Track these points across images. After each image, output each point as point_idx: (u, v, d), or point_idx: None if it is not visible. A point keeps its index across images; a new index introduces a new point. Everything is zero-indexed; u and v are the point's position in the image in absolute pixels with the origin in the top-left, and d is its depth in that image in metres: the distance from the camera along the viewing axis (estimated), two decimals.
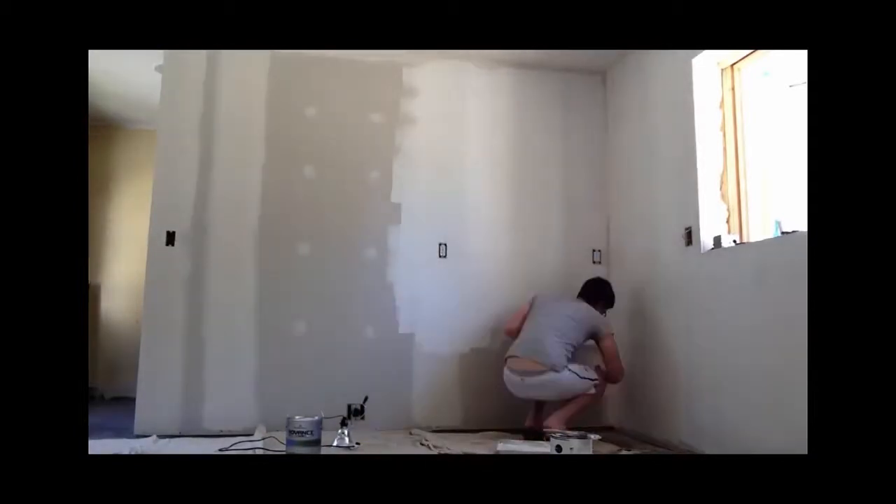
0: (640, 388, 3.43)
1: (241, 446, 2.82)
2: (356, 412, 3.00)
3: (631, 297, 3.59)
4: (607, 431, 3.49)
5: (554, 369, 3.04)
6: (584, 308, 3.26)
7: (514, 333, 3.32)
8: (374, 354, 3.45)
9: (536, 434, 3.11)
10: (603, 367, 3.26)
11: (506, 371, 3.19)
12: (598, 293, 3.38)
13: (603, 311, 3.36)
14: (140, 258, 3.51)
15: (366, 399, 3.05)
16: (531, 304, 3.35)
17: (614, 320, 3.42)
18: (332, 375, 3.37)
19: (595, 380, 3.15)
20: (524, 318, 3.31)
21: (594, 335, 3.20)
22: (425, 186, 3.64)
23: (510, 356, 3.19)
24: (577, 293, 3.41)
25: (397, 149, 3.65)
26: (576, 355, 3.17)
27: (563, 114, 3.92)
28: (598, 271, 3.79)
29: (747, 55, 2.90)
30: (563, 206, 3.84)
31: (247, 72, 3.51)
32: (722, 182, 2.98)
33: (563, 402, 3.12)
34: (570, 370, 3.08)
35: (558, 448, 2.58)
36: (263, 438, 2.94)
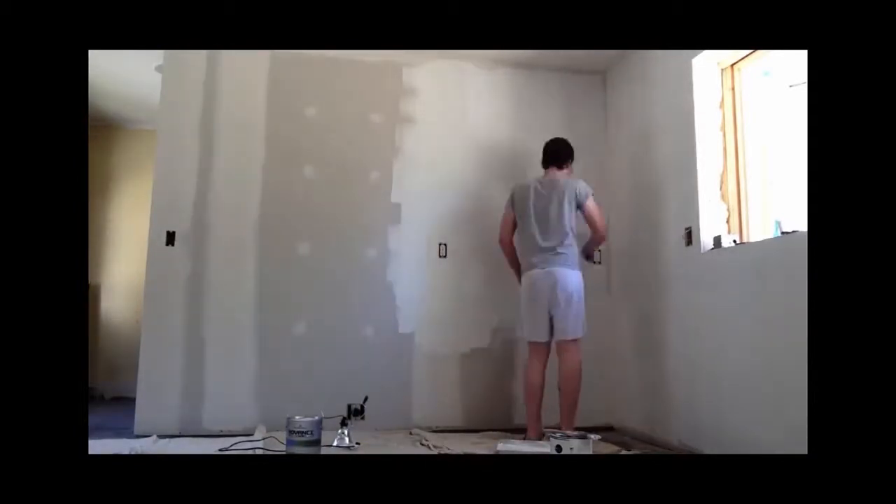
0: (639, 389, 3.43)
1: (241, 446, 2.82)
2: (356, 412, 3.00)
3: (631, 296, 3.59)
4: (607, 431, 3.49)
5: (571, 263, 3.12)
6: (561, 183, 3.19)
7: (507, 244, 3.33)
8: (374, 354, 3.45)
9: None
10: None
11: (531, 274, 3.15)
12: (561, 154, 3.30)
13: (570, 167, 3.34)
14: (140, 258, 3.51)
15: (366, 399, 3.05)
16: (513, 205, 3.29)
17: (615, 319, 3.42)
18: (332, 375, 3.37)
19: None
20: (514, 225, 3.29)
21: (578, 202, 3.17)
22: (425, 186, 3.64)
23: (526, 255, 3.21)
24: (541, 163, 3.34)
25: (397, 149, 3.65)
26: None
27: (563, 114, 3.92)
28: (598, 271, 3.79)
29: (747, 55, 2.90)
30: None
31: (247, 72, 3.51)
32: (722, 182, 2.98)
33: (565, 401, 3.08)
34: (581, 282, 3.13)
35: (558, 448, 2.58)
36: (263, 438, 2.94)
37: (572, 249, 3.14)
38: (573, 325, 3.08)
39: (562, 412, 3.08)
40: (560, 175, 3.25)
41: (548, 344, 3.16)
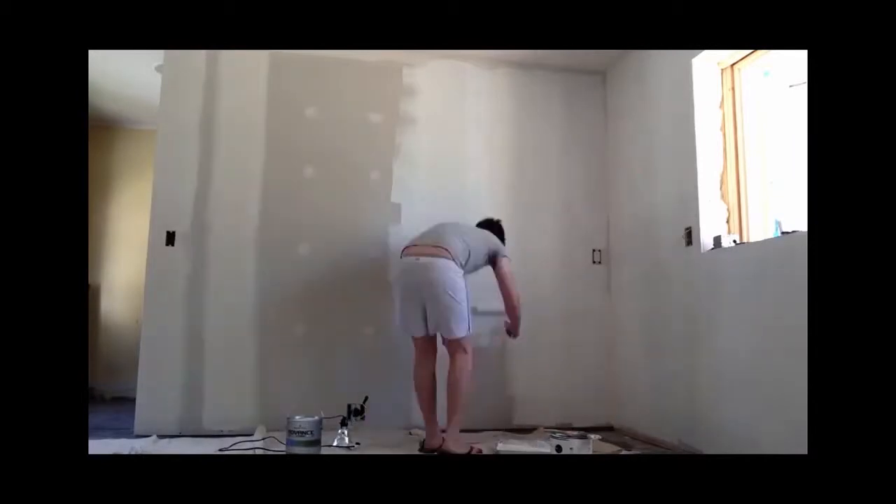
0: (640, 388, 3.43)
1: (241, 446, 2.82)
2: (356, 412, 3.00)
3: (631, 296, 3.59)
4: (607, 431, 3.50)
5: (455, 261, 2.81)
6: (490, 237, 3.12)
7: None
8: (373, 354, 3.45)
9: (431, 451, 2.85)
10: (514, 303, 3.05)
11: (401, 260, 2.91)
12: (492, 227, 3.25)
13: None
14: (140, 258, 3.51)
15: (366, 399, 3.05)
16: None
17: (615, 319, 3.42)
18: (332, 375, 3.37)
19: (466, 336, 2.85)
20: None
21: (494, 255, 3.02)
22: (425, 186, 3.64)
23: (407, 246, 2.94)
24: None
25: (397, 149, 3.65)
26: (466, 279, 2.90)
27: (563, 114, 3.92)
28: (598, 271, 3.80)
29: (747, 55, 2.90)
30: (563, 206, 3.84)
31: (247, 72, 3.51)
32: (722, 182, 2.98)
33: (449, 403, 2.84)
34: (464, 285, 2.83)
35: (558, 448, 2.59)
36: (263, 438, 2.94)
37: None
38: (457, 321, 2.79)
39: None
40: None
41: (430, 339, 2.94)
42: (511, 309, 3.10)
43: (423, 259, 2.81)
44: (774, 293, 2.44)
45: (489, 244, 3.07)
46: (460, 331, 2.81)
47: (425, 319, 2.84)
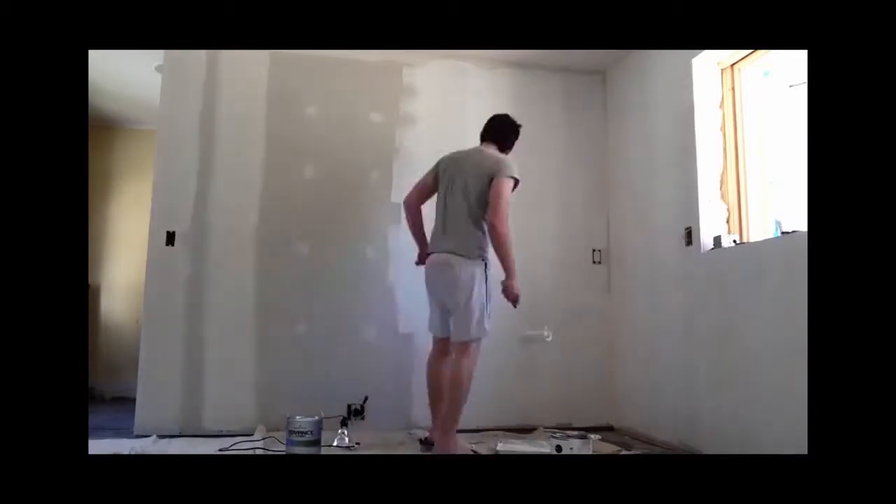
0: (639, 388, 3.43)
1: (241, 446, 2.82)
2: (356, 412, 3.01)
3: (631, 296, 3.59)
4: (607, 431, 3.50)
5: (463, 255, 2.72)
6: (489, 158, 2.86)
7: (412, 208, 3.03)
8: (374, 354, 3.45)
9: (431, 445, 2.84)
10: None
11: (426, 269, 2.86)
12: (503, 130, 3.00)
13: (510, 147, 3.01)
14: (140, 258, 3.51)
15: (366, 399, 3.05)
16: (436, 178, 2.97)
17: (615, 319, 3.42)
18: (332, 375, 3.37)
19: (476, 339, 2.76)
20: (428, 191, 2.99)
21: (492, 178, 2.73)
22: None
23: (429, 252, 2.87)
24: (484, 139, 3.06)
25: (397, 149, 3.65)
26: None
27: (563, 114, 3.92)
28: (598, 271, 3.80)
29: (747, 55, 2.90)
30: (563, 206, 3.84)
31: (247, 72, 3.51)
32: (722, 182, 2.98)
33: (448, 402, 2.79)
34: (478, 282, 2.70)
35: (558, 448, 2.59)
36: (263, 438, 2.94)
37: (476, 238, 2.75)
38: (464, 324, 2.71)
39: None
40: (492, 150, 2.93)
41: (446, 340, 2.87)
42: (498, 247, 2.72)
43: (442, 255, 2.75)
44: (774, 293, 2.44)
45: (488, 173, 2.73)
46: (472, 333, 2.72)
47: (445, 320, 2.84)
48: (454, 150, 3.71)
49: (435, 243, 2.88)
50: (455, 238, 2.76)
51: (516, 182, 2.78)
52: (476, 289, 2.72)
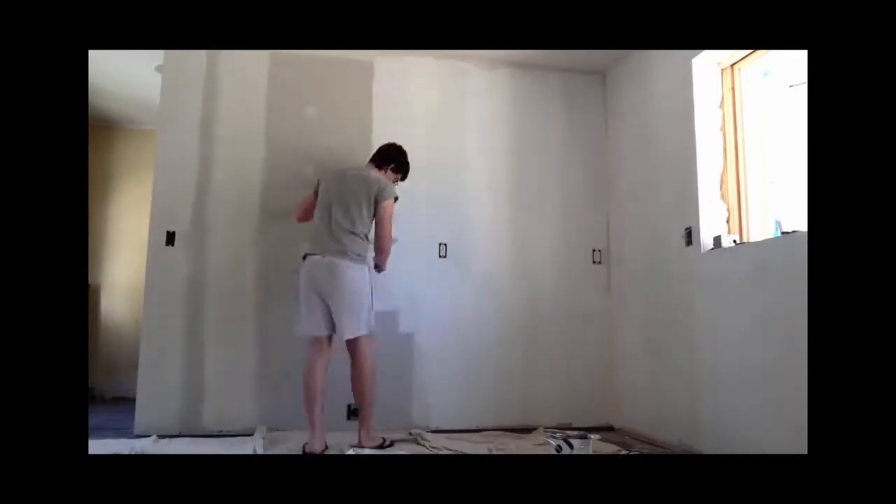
0: (639, 388, 3.43)
1: (241, 446, 2.81)
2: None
3: (630, 296, 3.59)
4: (607, 431, 3.49)
5: (350, 258, 2.86)
6: (371, 178, 2.99)
7: (302, 219, 3.19)
8: (373, 355, 3.44)
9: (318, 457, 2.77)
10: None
11: (304, 268, 2.94)
12: (386, 156, 3.15)
13: (394, 178, 3.15)
14: (140, 258, 3.51)
15: None
16: (317, 193, 3.09)
17: (615, 319, 3.41)
18: (333, 375, 3.36)
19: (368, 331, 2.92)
20: (313, 207, 3.08)
21: (377, 201, 2.94)
22: (425, 187, 3.64)
23: (308, 254, 2.96)
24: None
25: None
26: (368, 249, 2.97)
27: (563, 114, 3.92)
28: (598, 271, 3.80)
29: (747, 55, 2.90)
30: (563, 206, 3.84)
31: (247, 72, 3.51)
32: (722, 182, 2.98)
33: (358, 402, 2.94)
34: (365, 282, 2.89)
35: (558, 448, 2.58)
36: (263, 438, 2.94)
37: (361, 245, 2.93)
38: (355, 321, 2.85)
39: None
40: (374, 172, 3.07)
41: (327, 338, 2.94)
42: (380, 251, 3.03)
43: (328, 258, 2.88)
44: (774, 293, 2.44)
45: (373, 193, 2.95)
46: (360, 330, 2.87)
47: (326, 319, 2.90)
48: (454, 149, 3.74)
49: (319, 246, 2.93)
50: (343, 243, 2.89)
51: (395, 199, 3.04)
52: (365, 288, 2.91)
